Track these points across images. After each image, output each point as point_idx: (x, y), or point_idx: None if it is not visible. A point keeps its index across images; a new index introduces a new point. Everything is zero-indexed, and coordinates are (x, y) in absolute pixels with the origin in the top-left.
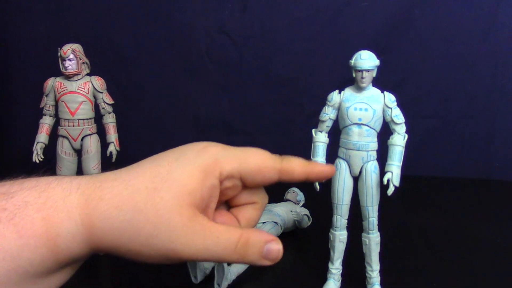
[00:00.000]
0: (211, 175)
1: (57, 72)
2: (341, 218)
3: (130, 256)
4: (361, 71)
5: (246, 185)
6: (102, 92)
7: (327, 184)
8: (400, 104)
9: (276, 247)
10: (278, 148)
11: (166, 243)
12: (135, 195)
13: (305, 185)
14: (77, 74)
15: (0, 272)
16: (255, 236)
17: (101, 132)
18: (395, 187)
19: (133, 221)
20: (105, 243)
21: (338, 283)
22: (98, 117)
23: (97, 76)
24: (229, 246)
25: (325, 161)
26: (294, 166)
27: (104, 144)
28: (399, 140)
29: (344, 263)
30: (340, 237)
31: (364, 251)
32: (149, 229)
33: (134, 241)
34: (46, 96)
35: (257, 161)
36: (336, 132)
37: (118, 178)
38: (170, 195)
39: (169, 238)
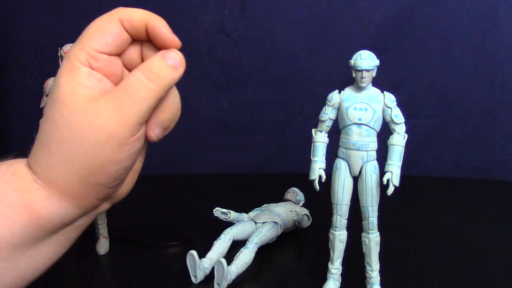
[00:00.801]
0: (76, 72)
1: (55, 73)
2: (341, 218)
3: (94, 177)
4: (361, 71)
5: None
6: None
7: (327, 184)
8: (400, 104)
9: (173, 54)
10: (278, 148)
11: (98, 129)
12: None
13: (305, 185)
14: None
15: None
16: (150, 59)
17: None
18: (395, 187)
19: (52, 135)
20: (66, 188)
21: (338, 283)
22: None
23: None
24: (141, 82)
25: (325, 161)
26: (133, 12)
27: None
28: (399, 140)
29: (344, 263)
30: (340, 237)
31: (364, 251)
32: (65, 130)
33: (77, 154)
34: (46, 96)
35: (96, 30)
36: (336, 132)
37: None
38: (69, 90)
39: (96, 121)
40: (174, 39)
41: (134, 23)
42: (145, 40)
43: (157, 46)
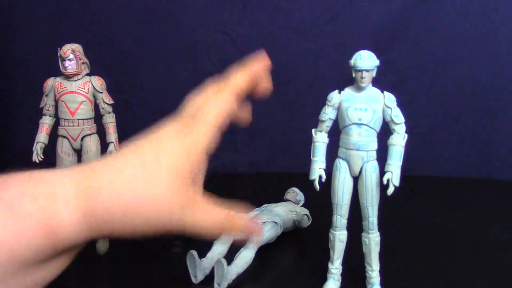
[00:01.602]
0: (195, 152)
1: (57, 72)
2: (341, 218)
3: (124, 236)
4: (361, 71)
5: None
6: (102, 92)
7: (327, 184)
8: (400, 104)
9: (255, 227)
10: (278, 148)
11: (162, 220)
12: (131, 182)
13: (305, 185)
14: (77, 74)
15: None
16: (239, 217)
17: (101, 132)
18: (395, 187)
19: (132, 206)
20: (103, 228)
21: (338, 283)
22: (98, 117)
23: (97, 76)
24: (217, 224)
25: (325, 160)
26: (238, 80)
27: (104, 144)
28: (399, 140)
29: (344, 263)
30: (340, 237)
31: (364, 251)
32: (148, 212)
33: (132, 224)
34: (46, 96)
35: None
36: (336, 132)
37: (110, 166)
38: (164, 177)
39: (165, 216)
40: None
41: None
42: None
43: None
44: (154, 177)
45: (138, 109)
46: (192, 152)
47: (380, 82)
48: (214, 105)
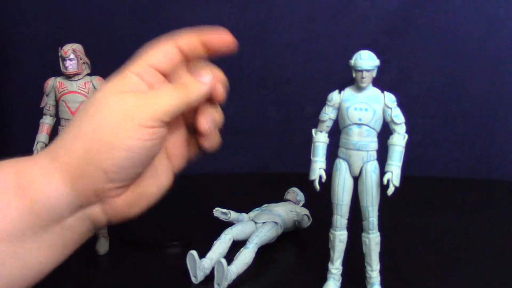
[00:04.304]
0: (125, 77)
1: (57, 72)
2: (341, 218)
3: (103, 162)
4: (361, 71)
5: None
6: None
7: (327, 184)
8: (400, 104)
9: (206, 73)
10: (278, 148)
11: (117, 110)
12: (80, 113)
13: (305, 185)
14: (77, 74)
15: None
16: (186, 78)
17: None
18: (395, 187)
19: (83, 123)
20: (73, 167)
21: (338, 283)
22: None
23: (98, 76)
24: (172, 90)
25: (325, 160)
26: (186, 39)
27: None
28: (399, 140)
29: (344, 263)
30: (340, 237)
31: (364, 251)
32: (97, 118)
33: (92, 138)
34: (47, 96)
35: (153, 48)
36: (336, 132)
37: (66, 130)
38: (105, 91)
39: (118, 105)
40: (227, 35)
41: (190, 43)
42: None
43: (213, 51)
44: (95, 102)
45: None
46: (123, 74)
47: (380, 82)
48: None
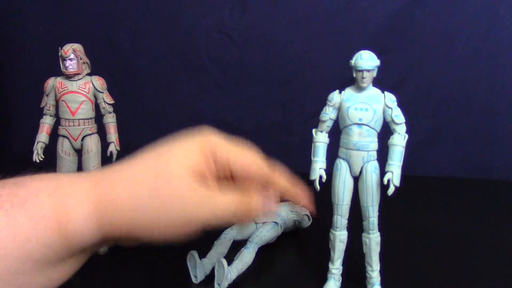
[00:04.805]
0: (207, 149)
1: (57, 73)
2: (341, 218)
3: (143, 236)
4: (362, 71)
5: (233, 178)
6: (103, 92)
7: (328, 184)
8: (400, 104)
9: (270, 205)
10: (278, 148)
11: (180, 213)
12: (144, 176)
13: (305, 185)
14: (77, 74)
15: (10, 260)
16: (254, 201)
17: (102, 132)
18: (395, 187)
19: (146, 198)
20: (117, 226)
21: (338, 283)
22: (98, 117)
23: (98, 76)
24: (232, 207)
25: (325, 160)
26: (281, 183)
27: (105, 144)
28: (399, 140)
29: (344, 263)
30: (340, 237)
31: (364, 251)
32: (162, 203)
33: (148, 218)
34: (47, 96)
35: (248, 162)
36: (337, 132)
37: (124, 167)
38: (177, 168)
39: (182, 207)
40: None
41: (275, 188)
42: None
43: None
44: (167, 167)
45: (139, 109)
46: (204, 145)
47: (380, 82)
48: (252, 155)
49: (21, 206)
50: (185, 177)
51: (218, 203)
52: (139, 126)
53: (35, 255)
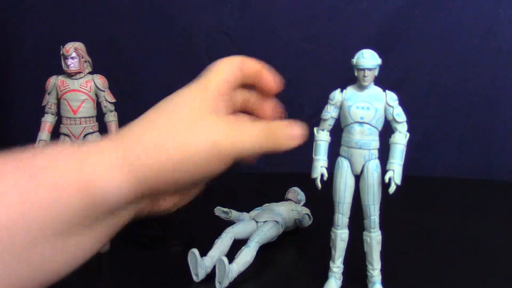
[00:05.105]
0: (208, 86)
1: (57, 72)
2: (342, 216)
3: (173, 181)
4: (363, 69)
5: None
6: (104, 91)
7: (328, 183)
8: (400, 104)
9: (297, 127)
10: None
11: (207, 143)
12: (162, 117)
13: (306, 185)
14: (79, 73)
15: (33, 225)
16: (275, 122)
17: (103, 130)
18: (397, 185)
19: (169, 137)
20: (148, 182)
21: (339, 282)
22: (99, 116)
23: (99, 75)
24: (260, 135)
25: (327, 159)
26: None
27: None
28: (400, 139)
29: (345, 262)
30: (341, 235)
31: (365, 250)
32: (187, 135)
33: (175, 158)
34: (48, 94)
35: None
36: (338, 131)
37: (138, 121)
38: (193, 100)
39: (207, 137)
40: (276, 85)
41: (249, 70)
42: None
43: (261, 89)
44: (179, 125)
45: (139, 109)
46: (207, 87)
47: (380, 82)
48: (220, 62)
49: (43, 171)
50: (205, 107)
51: (246, 130)
52: None
53: (60, 220)
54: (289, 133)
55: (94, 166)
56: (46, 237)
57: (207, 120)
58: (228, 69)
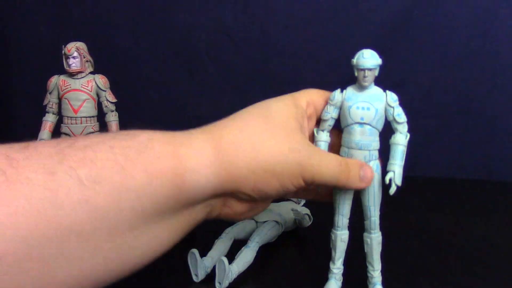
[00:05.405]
0: (299, 105)
1: (57, 72)
2: (342, 217)
3: (256, 186)
4: (364, 69)
5: None
6: (105, 90)
7: None
8: (400, 104)
9: (370, 169)
10: None
11: (296, 150)
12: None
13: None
14: (80, 72)
15: (123, 211)
16: (351, 160)
17: (104, 130)
18: (397, 186)
19: (263, 132)
20: (234, 170)
21: (339, 283)
22: (100, 116)
23: (101, 75)
24: (337, 166)
25: None
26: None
27: None
28: (401, 139)
29: (346, 263)
30: (341, 236)
31: (365, 251)
32: (280, 135)
33: (263, 164)
34: (50, 93)
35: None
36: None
37: (229, 120)
38: (288, 111)
39: (297, 145)
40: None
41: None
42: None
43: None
44: (271, 132)
45: (140, 108)
46: (295, 106)
47: (380, 82)
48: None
49: (138, 157)
50: (295, 123)
51: (325, 158)
52: (140, 125)
53: (149, 207)
54: (362, 174)
55: (188, 154)
56: (132, 223)
57: (296, 135)
58: (317, 97)
